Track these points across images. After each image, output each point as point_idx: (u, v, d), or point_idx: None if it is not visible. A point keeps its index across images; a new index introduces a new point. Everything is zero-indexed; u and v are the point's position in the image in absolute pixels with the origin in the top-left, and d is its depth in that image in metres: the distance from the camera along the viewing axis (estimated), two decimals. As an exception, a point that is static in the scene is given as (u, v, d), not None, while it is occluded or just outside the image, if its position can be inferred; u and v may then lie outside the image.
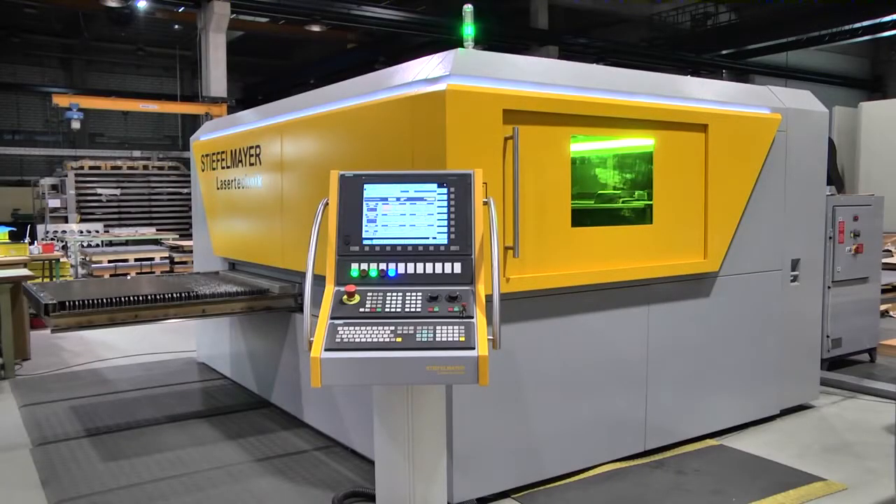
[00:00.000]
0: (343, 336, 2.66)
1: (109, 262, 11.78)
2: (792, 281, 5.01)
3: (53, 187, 17.20)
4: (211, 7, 16.02)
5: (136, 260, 12.00)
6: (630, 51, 22.63)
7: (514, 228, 3.53)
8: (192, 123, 20.69)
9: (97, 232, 14.34)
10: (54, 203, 16.43)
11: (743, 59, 24.09)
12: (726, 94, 4.63)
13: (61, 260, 10.09)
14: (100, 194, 16.60)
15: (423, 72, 3.57)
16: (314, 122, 4.43)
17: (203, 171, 6.45)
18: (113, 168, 17.22)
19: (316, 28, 18.92)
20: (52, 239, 12.61)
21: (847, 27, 20.40)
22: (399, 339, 2.64)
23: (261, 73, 28.33)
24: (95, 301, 4.15)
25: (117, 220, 16.60)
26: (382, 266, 2.89)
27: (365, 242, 2.93)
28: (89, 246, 13.00)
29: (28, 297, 4.70)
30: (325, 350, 2.62)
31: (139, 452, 4.53)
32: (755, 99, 4.78)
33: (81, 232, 14.06)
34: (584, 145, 4.14)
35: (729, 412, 4.73)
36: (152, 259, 12.11)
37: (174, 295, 4.44)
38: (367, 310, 2.76)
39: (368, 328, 2.69)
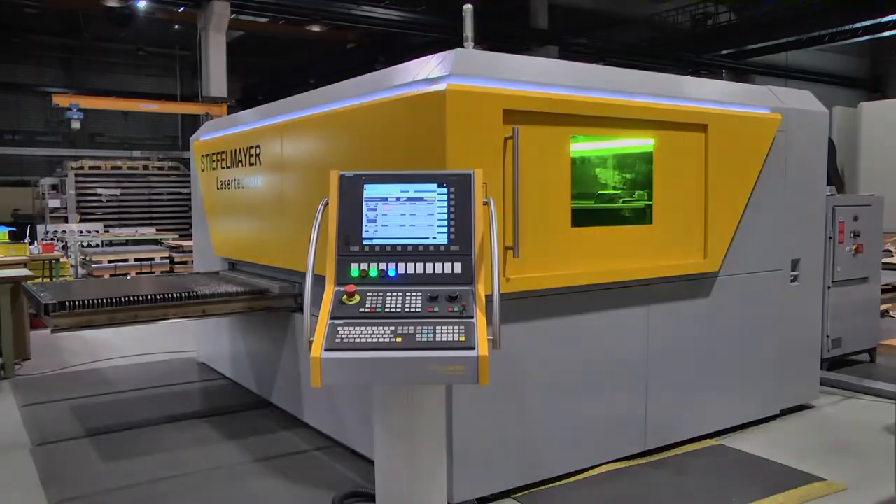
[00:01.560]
0: (343, 336, 2.66)
1: (109, 262, 11.79)
2: (792, 281, 5.01)
3: (53, 187, 17.21)
4: (211, 7, 16.03)
5: (136, 260, 12.01)
6: (630, 51, 22.65)
7: (514, 228, 3.53)
8: (192, 123, 20.68)
9: (97, 232, 14.34)
10: (54, 203, 16.44)
11: (743, 59, 24.11)
12: (726, 94, 4.63)
13: (61, 260, 10.09)
14: (100, 194, 16.60)
15: (423, 72, 3.56)
16: (314, 122, 4.43)
17: (203, 171, 6.45)
18: (113, 168, 17.22)
19: (316, 28, 18.96)
20: (52, 239, 12.61)
21: (847, 27, 20.43)
22: (399, 339, 2.64)
23: (261, 73, 28.33)
24: (95, 301, 4.15)
25: (117, 220, 16.60)
26: (382, 266, 2.88)
27: (365, 242, 2.93)
28: (89, 246, 13.00)
29: (28, 297, 4.70)
30: (325, 350, 2.62)
31: (139, 452, 4.53)
32: (755, 99, 4.78)
33: (81, 232, 14.06)
34: (584, 145, 4.14)
35: (729, 412, 4.73)
36: (152, 259, 12.12)
37: (174, 295, 4.44)
38: (367, 310, 2.76)
39: (368, 328, 2.68)
